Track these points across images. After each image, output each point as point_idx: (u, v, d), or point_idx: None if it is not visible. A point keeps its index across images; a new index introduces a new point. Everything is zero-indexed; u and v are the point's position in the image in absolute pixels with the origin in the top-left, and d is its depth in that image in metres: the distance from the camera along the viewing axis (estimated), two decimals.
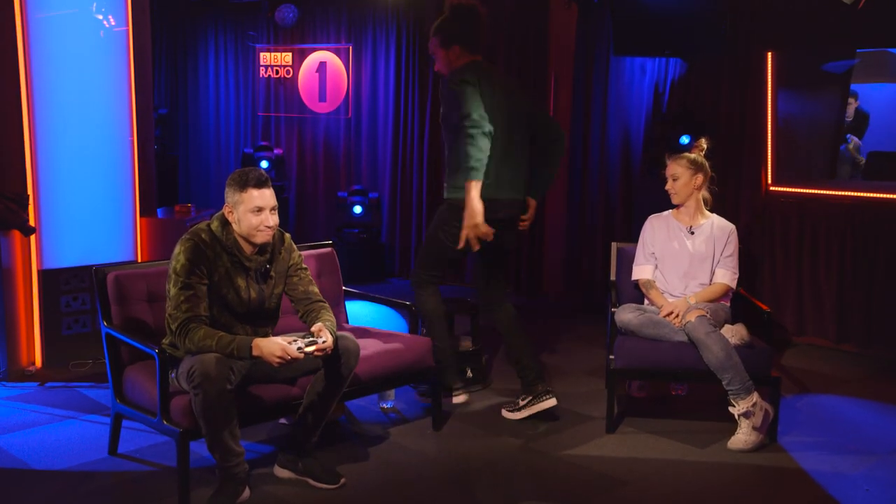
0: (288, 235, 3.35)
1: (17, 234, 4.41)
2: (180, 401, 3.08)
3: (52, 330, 4.60)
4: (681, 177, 4.01)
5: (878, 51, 6.94)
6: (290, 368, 3.23)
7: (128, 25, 4.76)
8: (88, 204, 4.68)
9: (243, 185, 3.10)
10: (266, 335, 3.24)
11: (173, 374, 3.14)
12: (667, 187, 4.06)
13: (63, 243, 4.62)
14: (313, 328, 3.17)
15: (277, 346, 3.02)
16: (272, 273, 3.25)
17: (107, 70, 4.72)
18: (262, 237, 3.13)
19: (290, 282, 3.31)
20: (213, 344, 2.99)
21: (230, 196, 3.12)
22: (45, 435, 3.74)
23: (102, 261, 4.38)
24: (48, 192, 4.55)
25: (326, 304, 3.33)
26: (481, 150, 3.73)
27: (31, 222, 4.47)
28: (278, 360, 3.01)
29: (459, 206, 3.83)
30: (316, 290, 3.35)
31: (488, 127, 3.76)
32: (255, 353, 3.01)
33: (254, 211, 3.09)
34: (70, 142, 4.59)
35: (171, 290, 3.07)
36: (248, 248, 3.17)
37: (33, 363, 4.58)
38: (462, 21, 3.92)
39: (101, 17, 4.65)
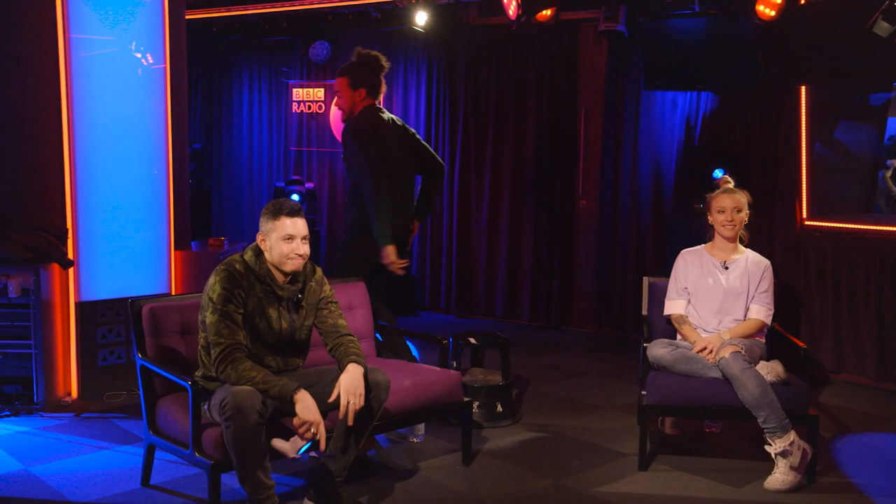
0: (319, 269, 3.41)
1: (56, 267, 4.50)
2: (212, 433, 3.10)
3: (88, 361, 4.66)
4: (744, 209, 4.00)
5: None
6: (321, 401, 3.25)
7: (165, 63, 4.88)
8: (124, 237, 4.77)
9: (277, 214, 3.18)
10: (296, 367, 3.30)
11: (206, 406, 3.16)
12: (724, 219, 3.98)
13: (100, 276, 4.70)
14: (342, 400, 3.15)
15: (316, 415, 3.02)
16: (303, 304, 3.29)
17: (144, 106, 4.83)
18: (292, 265, 3.19)
19: (320, 314, 3.35)
20: (259, 378, 3.02)
21: (264, 224, 3.19)
22: (80, 465, 3.78)
23: (138, 293, 4.45)
24: (86, 226, 4.64)
25: (355, 338, 3.35)
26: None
27: (70, 255, 4.56)
28: (307, 426, 3.02)
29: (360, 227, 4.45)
30: (345, 323, 3.37)
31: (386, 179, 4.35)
32: (295, 403, 3.02)
33: (285, 239, 3.16)
34: (108, 177, 4.70)
35: (209, 317, 3.10)
36: (280, 278, 3.22)
37: (69, 394, 4.63)
38: (370, 69, 4.49)
39: (139, 55, 4.78)
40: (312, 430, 3.03)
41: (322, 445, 3.09)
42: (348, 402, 3.10)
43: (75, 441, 4.07)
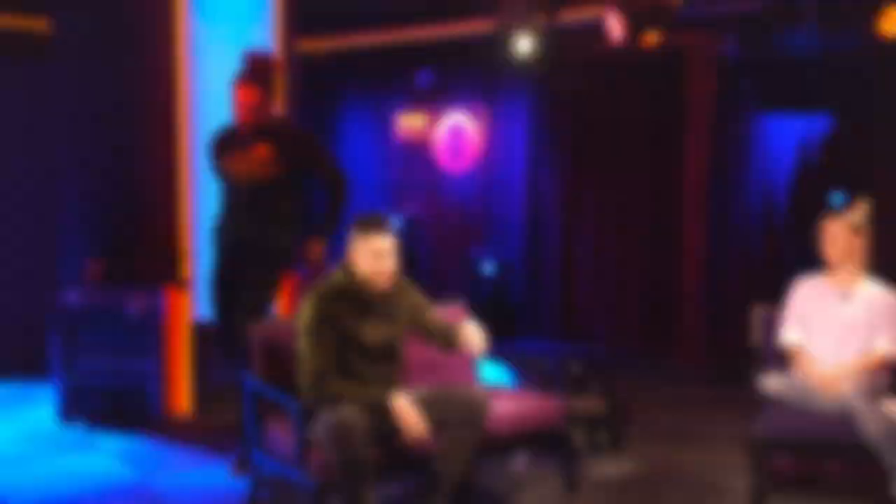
0: (405, 278, 3.43)
1: (173, 288, 4.71)
2: (318, 454, 3.15)
3: (201, 379, 4.85)
4: (839, 238, 3.80)
5: None
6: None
7: None
8: None
9: (366, 231, 3.23)
10: (395, 378, 3.32)
11: (312, 428, 3.22)
12: (823, 248, 3.84)
13: None
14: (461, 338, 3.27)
15: (414, 416, 3.07)
16: (394, 312, 3.33)
17: None
18: (381, 283, 3.23)
19: (425, 318, 3.38)
20: (350, 395, 3.08)
21: (354, 240, 3.25)
22: (192, 479, 3.92)
23: None
24: (201, 249, 4.85)
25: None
26: None
27: (186, 276, 4.78)
28: (409, 427, 3.06)
29: None
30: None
31: None
32: (392, 403, 3.08)
33: (374, 256, 3.18)
34: None
35: (301, 345, 3.19)
36: (372, 289, 3.26)
37: (184, 410, 4.82)
38: (271, 74, 4.31)
39: None
40: (415, 433, 3.05)
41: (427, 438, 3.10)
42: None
43: (188, 456, 4.22)
